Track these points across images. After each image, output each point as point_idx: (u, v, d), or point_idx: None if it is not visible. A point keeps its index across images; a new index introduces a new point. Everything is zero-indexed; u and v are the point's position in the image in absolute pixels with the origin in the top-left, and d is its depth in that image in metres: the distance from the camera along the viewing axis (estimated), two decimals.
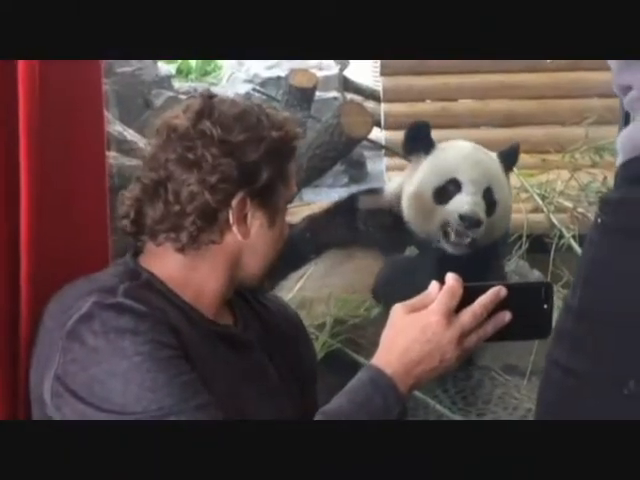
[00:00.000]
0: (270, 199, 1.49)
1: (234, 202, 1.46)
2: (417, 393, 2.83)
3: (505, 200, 3.14)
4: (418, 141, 3.20)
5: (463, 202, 3.04)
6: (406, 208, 3.15)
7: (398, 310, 1.41)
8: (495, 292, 1.38)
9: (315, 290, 3.12)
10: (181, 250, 1.46)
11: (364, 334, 3.02)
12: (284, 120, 1.51)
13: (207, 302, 1.49)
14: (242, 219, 1.47)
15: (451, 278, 1.40)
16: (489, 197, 3.08)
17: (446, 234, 3.02)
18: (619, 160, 1.20)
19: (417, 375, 1.40)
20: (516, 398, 2.94)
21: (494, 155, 3.21)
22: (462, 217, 3.01)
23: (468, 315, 1.38)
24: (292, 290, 3.09)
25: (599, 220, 1.21)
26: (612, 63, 1.20)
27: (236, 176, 1.44)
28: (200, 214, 1.44)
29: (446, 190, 3.09)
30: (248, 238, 1.48)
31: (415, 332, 1.38)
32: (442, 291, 1.39)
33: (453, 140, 3.33)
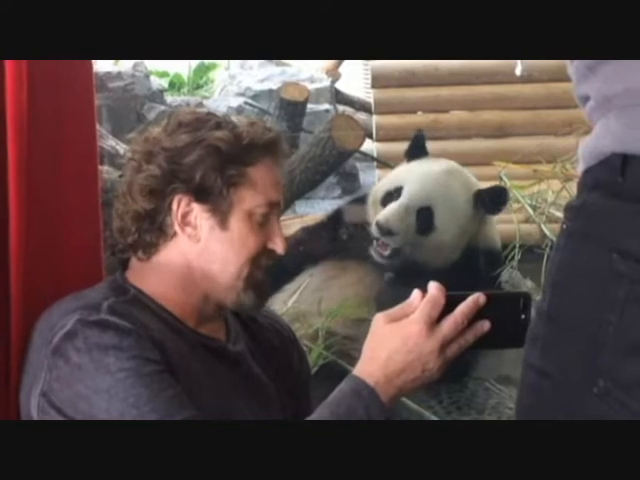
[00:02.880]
0: (214, 200, 1.46)
1: (174, 205, 1.45)
2: (412, 404, 2.84)
3: (448, 233, 3.13)
4: (413, 149, 3.27)
5: (387, 209, 3.09)
6: (368, 207, 3.24)
7: (379, 319, 1.40)
8: (475, 300, 1.38)
9: (309, 303, 3.12)
10: (146, 261, 1.48)
11: (357, 347, 3.02)
12: (239, 122, 1.49)
13: (189, 315, 1.49)
14: (188, 222, 1.46)
15: (434, 287, 1.38)
16: (425, 217, 3.09)
17: (375, 240, 3.09)
18: (580, 168, 1.24)
19: (399, 385, 1.39)
20: (510, 408, 2.95)
21: (472, 187, 3.20)
22: (376, 223, 3.07)
23: (449, 324, 1.37)
24: (287, 303, 3.10)
25: (564, 226, 1.24)
26: (572, 75, 1.23)
27: (167, 179, 1.45)
28: (138, 223, 1.46)
29: (390, 195, 3.15)
30: (199, 242, 1.47)
31: (396, 342, 1.37)
32: (424, 300, 1.37)
33: (442, 159, 3.33)
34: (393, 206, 3.09)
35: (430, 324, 1.37)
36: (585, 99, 1.22)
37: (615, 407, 1.13)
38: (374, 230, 3.07)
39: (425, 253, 3.10)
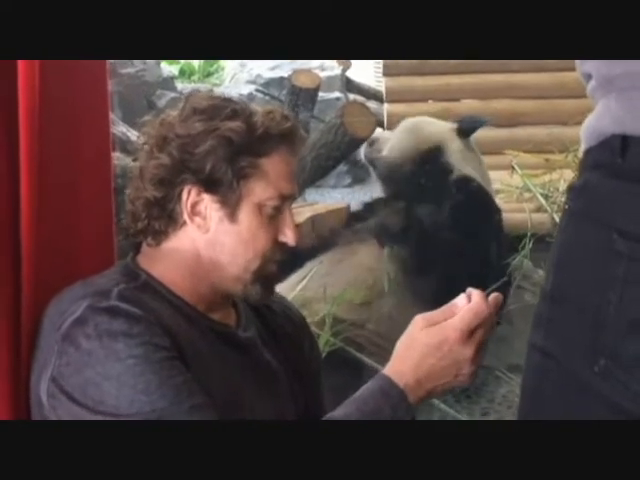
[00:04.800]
0: (224, 192, 1.44)
1: (184, 194, 1.44)
2: None
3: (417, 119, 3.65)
4: None
5: None
6: None
7: (418, 321, 1.39)
8: (498, 301, 1.39)
9: (315, 289, 3.14)
10: (156, 247, 1.47)
11: (364, 332, 3.04)
12: (254, 112, 1.46)
13: (198, 301, 1.48)
14: (198, 213, 1.45)
15: (478, 295, 1.38)
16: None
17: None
18: (582, 148, 1.25)
19: (429, 388, 1.38)
20: None
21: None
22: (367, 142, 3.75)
23: (483, 331, 1.37)
24: (294, 289, 3.11)
25: (566, 207, 1.26)
26: None
27: (178, 169, 1.43)
28: (148, 210, 1.45)
29: None
30: (208, 232, 1.45)
31: (431, 346, 1.36)
32: (468, 308, 1.37)
33: None
34: None
35: (468, 333, 1.36)
36: (587, 77, 1.23)
37: (616, 386, 1.14)
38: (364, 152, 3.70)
39: (395, 141, 3.57)
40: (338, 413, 1.37)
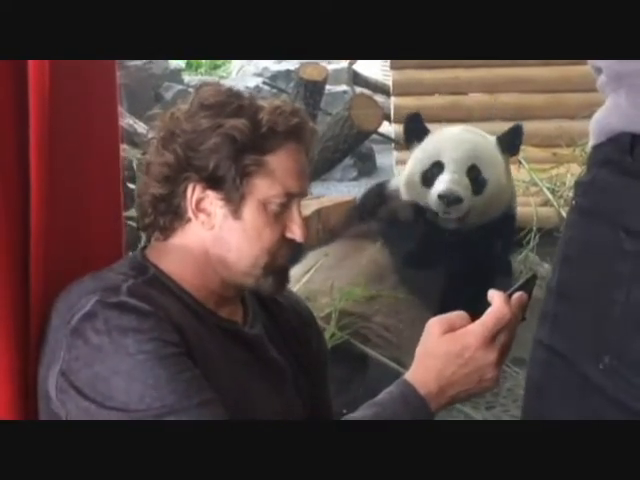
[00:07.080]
0: (227, 189, 1.43)
1: (188, 191, 1.44)
2: None
3: (497, 180, 3.25)
4: (413, 131, 3.36)
5: (442, 182, 3.17)
6: (403, 194, 3.32)
7: (434, 326, 1.37)
8: (521, 301, 1.34)
9: (321, 282, 3.14)
10: (164, 241, 1.47)
11: (369, 325, 3.05)
12: (261, 108, 1.44)
13: (207, 297, 1.48)
14: (202, 209, 1.45)
15: (500, 299, 1.34)
16: (475, 175, 3.20)
17: (436, 214, 3.17)
18: (590, 144, 1.25)
19: (452, 395, 1.37)
20: None
21: (491, 138, 3.32)
22: (440, 196, 3.15)
23: (507, 334, 1.34)
24: (299, 281, 3.11)
25: (574, 202, 1.26)
26: None
27: (182, 166, 1.43)
28: (154, 206, 1.45)
29: (431, 173, 3.24)
30: (213, 229, 1.45)
31: (453, 354, 1.34)
32: (489, 314, 1.33)
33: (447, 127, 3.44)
34: (445, 177, 3.17)
35: (491, 338, 1.33)
36: (598, 71, 1.23)
37: (621, 384, 1.14)
38: (436, 205, 3.16)
39: (480, 211, 3.21)
40: (355, 416, 1.36)
